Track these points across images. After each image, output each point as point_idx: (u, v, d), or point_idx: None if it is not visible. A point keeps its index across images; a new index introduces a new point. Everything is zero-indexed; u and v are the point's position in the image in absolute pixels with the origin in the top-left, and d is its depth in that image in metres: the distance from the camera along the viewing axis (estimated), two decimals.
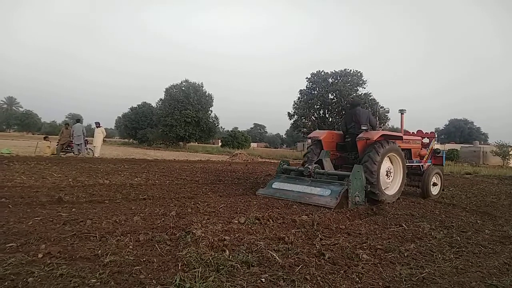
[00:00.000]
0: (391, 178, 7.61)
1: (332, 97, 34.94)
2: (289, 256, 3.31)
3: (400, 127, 9.30)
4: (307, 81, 36.73)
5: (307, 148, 8.51)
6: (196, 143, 50.23)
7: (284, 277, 2.80)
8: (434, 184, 8.80)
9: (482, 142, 59.28)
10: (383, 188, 7.17)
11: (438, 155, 9.64)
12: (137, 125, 51.46)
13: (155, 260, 3.03)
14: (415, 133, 9.62)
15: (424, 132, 9.62)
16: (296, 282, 2.70)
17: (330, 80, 35.36)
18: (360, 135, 7.44)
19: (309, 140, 8.47)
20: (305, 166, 7.45)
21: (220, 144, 53.20)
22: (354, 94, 34.20)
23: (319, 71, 36.19)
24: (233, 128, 59.36)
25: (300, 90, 36.79)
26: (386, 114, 8.53)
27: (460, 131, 66.75)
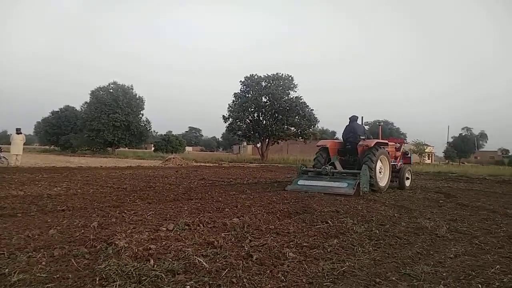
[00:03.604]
0: (382, 173, 10.12)
1: (265, 100, 35.70)
2: (217, 260, 3.27)
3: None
4: (241, 84, 37.13)
5: (315, 154, 10.75)
6: (127, 148, 47.97)
7: (210, 282, 2.75)
8: (407, 178, 11.23)
9: None
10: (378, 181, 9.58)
11: (407, 156, 12.63)
12: (59, 130, 47.64)
13: (70, 276, 2.81)
14: (389, 139, 12.21)
15: (396, 138, 12.46)
16: (222, 287, 2.67)
17: (263, 84, 36.09)
18: (360, 143, 9.88)
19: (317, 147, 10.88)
20: (323, 167, 9.65)
21: (153, 149, 51.45)
22: (286, 97, 35.35)
23: (252, 74, 36.82)
24: (166, 132, 57.85)
25: (235, 93, 37.06)
26: (379, 125, 11.41)
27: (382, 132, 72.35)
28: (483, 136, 73.01)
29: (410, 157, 12.73)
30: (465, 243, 4.37)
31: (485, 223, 5.78)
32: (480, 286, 2.92)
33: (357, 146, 9.94)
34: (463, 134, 67.72)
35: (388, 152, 10.69)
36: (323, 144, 10.70)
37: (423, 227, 5.21)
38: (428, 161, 51.21)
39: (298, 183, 9.61)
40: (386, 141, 11.02)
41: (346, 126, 10.87)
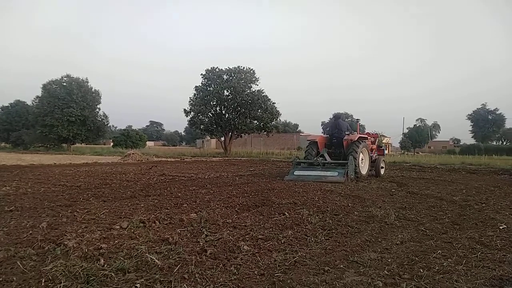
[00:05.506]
0: (363, 163, 11.73)
1: (227, 93, 35.46)
2: (170, 257, 3.25)
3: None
4: (202, 77, 36.59)
5: (306, 147, 12.32)
6: (83, 144, 46.05)
7: (161, 279, 2.74)
8: (382, 167, 12.86)
9: None
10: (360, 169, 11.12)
11: (381, 148, 14.33)
12: (10, 126, 44.94)
13: (14, 278, 2.71)
14: (365, 133, 13.87)
15: (371, 133, 14.36)
16: (173, 283, 2.66)
17: (225, 77, 35.81)
18: (345, 137, 11.50)
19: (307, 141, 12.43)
20: (315, 159, 11.20)
21: (111, 144, 49.70)
22: (248, 91, 35.35)
23: (214, 67, 36.37)
24: (126, 127, 56.15)
25: (196, 87, 36.44)
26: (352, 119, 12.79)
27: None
28: (436, 126, 77.25)
29: (383, 149, 14.50)
30: (411, 230, 4.63)
31: (432, 210, 6.14)
32: (421, 270, 3.10)
33: (343, 140, 11.54)
34: (417, 125, 71.16)
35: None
36: (313, 138, 12.15)
37: (374, 215, 5.44)
38: (386, 152, 53.38)
39: (295, 173, 10.83)
40: (366, 135, 12.70)
41: (331, 123, 12.50)
